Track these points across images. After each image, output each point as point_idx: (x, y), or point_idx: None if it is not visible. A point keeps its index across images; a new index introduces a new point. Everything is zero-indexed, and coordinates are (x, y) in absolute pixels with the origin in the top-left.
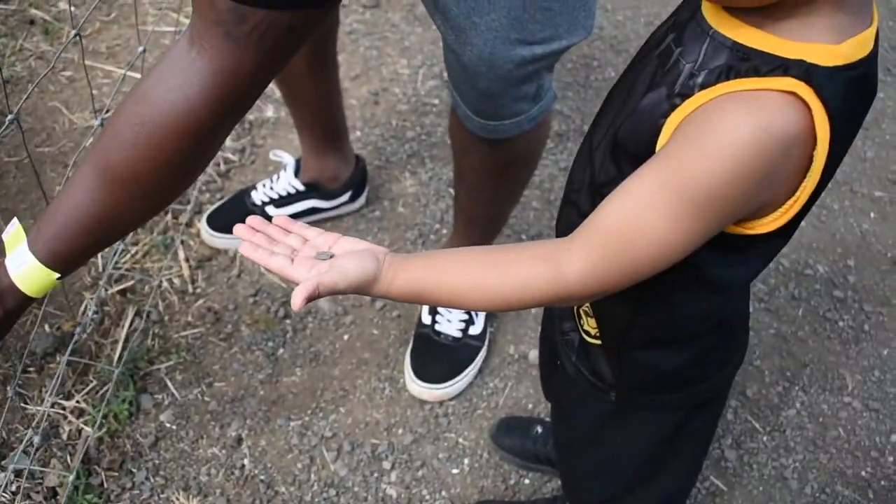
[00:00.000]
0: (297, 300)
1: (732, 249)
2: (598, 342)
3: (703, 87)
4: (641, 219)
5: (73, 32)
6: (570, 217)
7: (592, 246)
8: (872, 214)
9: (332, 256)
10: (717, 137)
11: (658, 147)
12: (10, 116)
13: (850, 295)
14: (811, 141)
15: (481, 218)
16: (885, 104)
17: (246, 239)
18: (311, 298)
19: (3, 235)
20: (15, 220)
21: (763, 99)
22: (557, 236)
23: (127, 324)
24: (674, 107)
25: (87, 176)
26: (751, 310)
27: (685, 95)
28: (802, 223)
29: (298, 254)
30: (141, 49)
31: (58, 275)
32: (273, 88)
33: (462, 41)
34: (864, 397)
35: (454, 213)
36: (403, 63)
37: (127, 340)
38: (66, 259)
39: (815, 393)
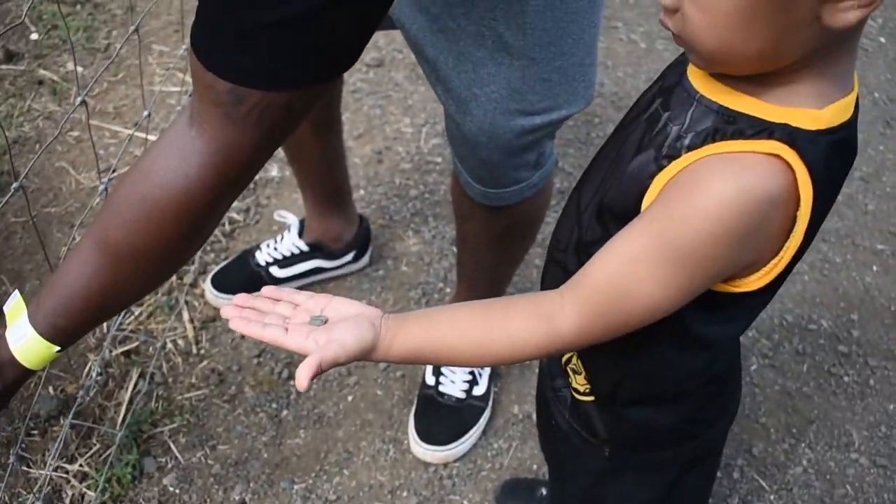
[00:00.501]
0: (302, 381)
1: (718, 307)
2: (591, 399)
3: (690, 148)
4: (629, 276)
5: (80, 97)
6: (555, 276)
7: (584, 301)
8: (875, 267)
9: (326, 321)
10: (702, 197)
11: (644, 206)
12: (15, 184)
13: (854, 349)
14: (794, 202)
15: (484, 280)
16: (885, 157)
17: (234, 317)
18: (315, 376)
19: (5, 307)
20: (16, 292)
21: (748, 161)
22: None
23: (131, 386)
24: (661, 167)
25: (87, 250)
26: (755, 366)
27: (672, 157)
28: (805, 277)
29: (291, 320)
30: (146, 113)
31: (58, 348)
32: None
33: (463, 111)
34: (872, 453)
35: (457, 274)
36: (407, 122)
37: (131, 403)
38: (67, 332)
39: (822, 450)
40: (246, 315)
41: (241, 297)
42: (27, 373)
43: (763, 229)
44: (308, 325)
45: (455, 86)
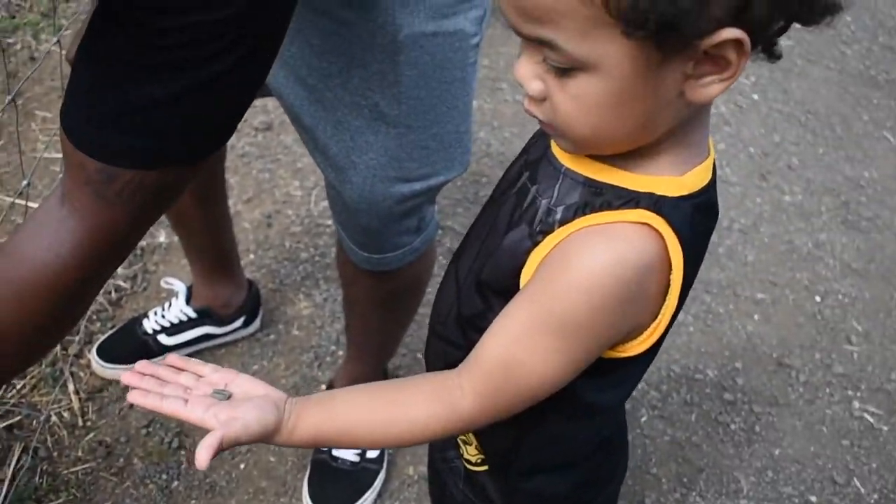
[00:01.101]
0: (202, 460)
1: (605, 373)
2: (484, 468)
3: (563, 222)
4: (518, 354)
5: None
6: (437, 349)
7: (479, 382)
8: (756, 316)
9: (229, 396)
10: (577, 270)
11: (523, 281)
12: None
13: (739, 397)
14: (667, 266)
15: (372, 344)
16: (762, 209)
17: (134, 386)
18: (216, 454)
19: None
20: None
21: (618, 231)
22: (428, 367)
23: (13, 461)
24: (536, 243)
25: None
26: (645, 417)
27: (546, 232)
28: (690, 328)
29: (193, 392)
30: (25, 182)
31: None
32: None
33: (342, 179)
34: (760, 498)
35: (346, 338)
36: (296, 185)
37: (13, 478)
38: None
39: (713, 497)
40: (145, 385)
41: (142, 364)
42: None
43: (640, 295)
44: (209, 398)
45: (334, 154)
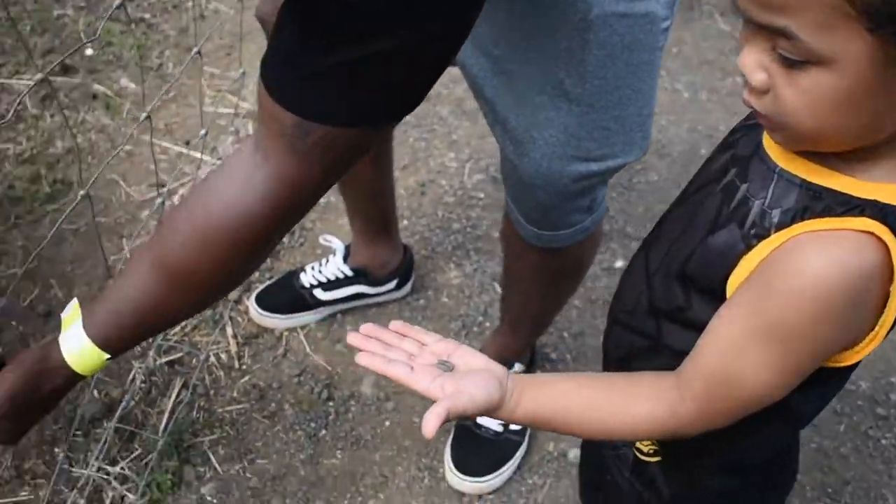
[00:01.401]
0: (429, 426)
1: (814, 383)
2: (656, 459)
3: (780, 227)
4: (738, 363)
5: (145, 112)
6: (621, 337)
7: (700, 389)
8: None
9: (452, 367)
10: (799, 278)
11: (733, 284)
12: (81, 192)
13: (892, 413)
14: (888, 276)
15: (528, 318)
16: None
17: (360, 347)
18: (442, 424)
19: (63, 314)
20: (74, 300)
21: (842, 238)
22: (606, 353)
23: (173, 395)
24: (750, 247)
25: (142, 268)
26: None
27: (761, 236)
28: None
29: (417, 360)
30: (203, 132)
31: (108, 356)
32: None
33: (519, 153)
34: None
35: (501, 310)
36: (451, 156)
37: (173, 411)
38: (117, 342)
39: None
40: (370, 347)
41: (369, 327)
42: (76, 378)
43: (862, 306)
44: (434, 367)
45: (513, 127)
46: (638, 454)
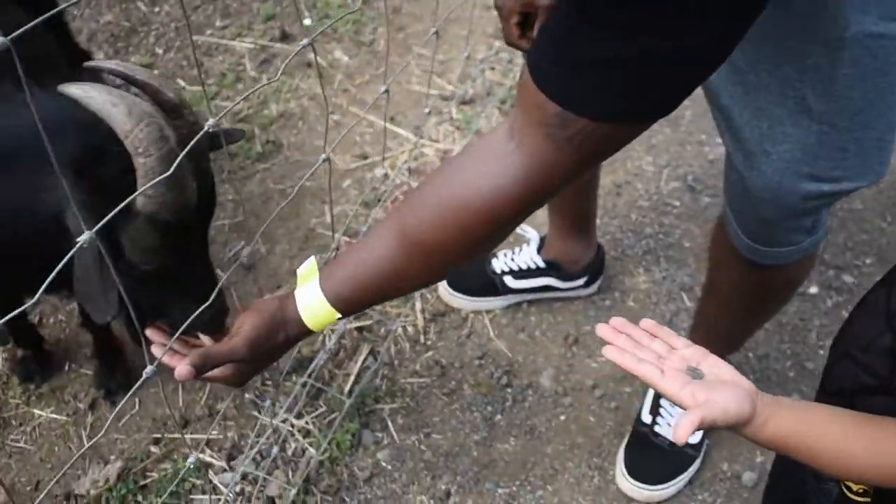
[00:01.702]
0: (681, 434)
1: None
2: (865, 500)
3: None
4: None
5: (384, 87)
6: (846, 371)
7: None
8: None
9: (702, 376)
10: None
11: None
12: (323, 156)
13: None
14: None
15: (723, 331)
16: None
17: (611, 341)
18: (694, 432)
19: (299, 270)
20: (312, 257)
21: None
22: (826, 386)
23: (360, 360)
24: None
25: (387, 236)
26: None
27: None
28: None
29: (666, 363)
30: (427, 110)
31: (339, 315)
32: None
33: (750, 165)
34: None
35: (694, 321)
36: (649, 160)
37: (359, 375)
38: (349, 303)
39: None
40: (620, 343)
41: (619, 321)
42: (307, 332)
43: None
44: (685, 374)
45: (746, 138)
46: (846, 491)
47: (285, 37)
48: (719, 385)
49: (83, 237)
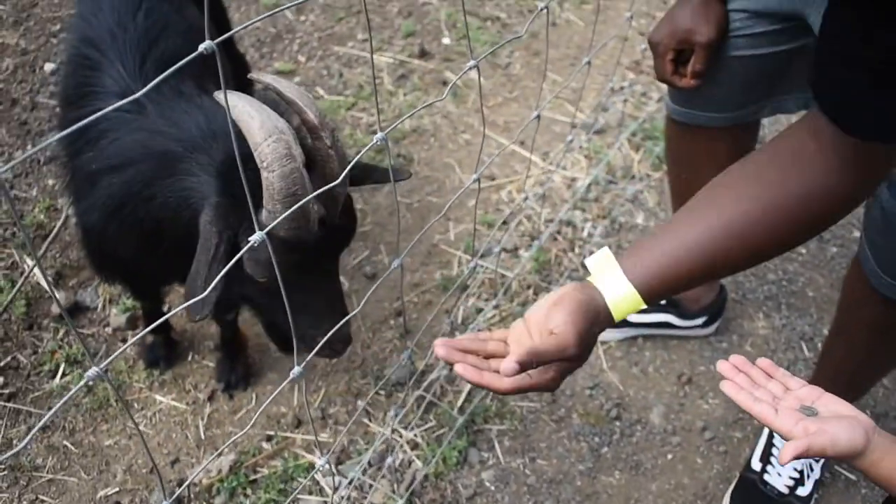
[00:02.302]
0: (787, 456)
1: None
2: None
3: None
4: None
5: (534, 114)
6: None
7: None
8: None
9: (816, 413)
10: None
11: None
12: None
13: None
14: None
15: (849, 375)
16: None
17: (729, 378)
18: (799, 457)
19: (588, 261)
20: (606, 248)
21: None
22: None
23: None
24: None
25: (699, 227)
26: None
27: None
28: None
29: (781, 403)
30: (570, 138)
31: (643, 305)
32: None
33: (893, 195)
34: None
35: (818, 366)
36: None
37: (470, 393)
38: (656, 292)
39: None
40: (739, 381)
41: (740, 360)
42: (611, 324)
43: None
44: (798, 412)
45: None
46: None
47: (424, 54)
48: (834, 419)
49: (255, 237)
